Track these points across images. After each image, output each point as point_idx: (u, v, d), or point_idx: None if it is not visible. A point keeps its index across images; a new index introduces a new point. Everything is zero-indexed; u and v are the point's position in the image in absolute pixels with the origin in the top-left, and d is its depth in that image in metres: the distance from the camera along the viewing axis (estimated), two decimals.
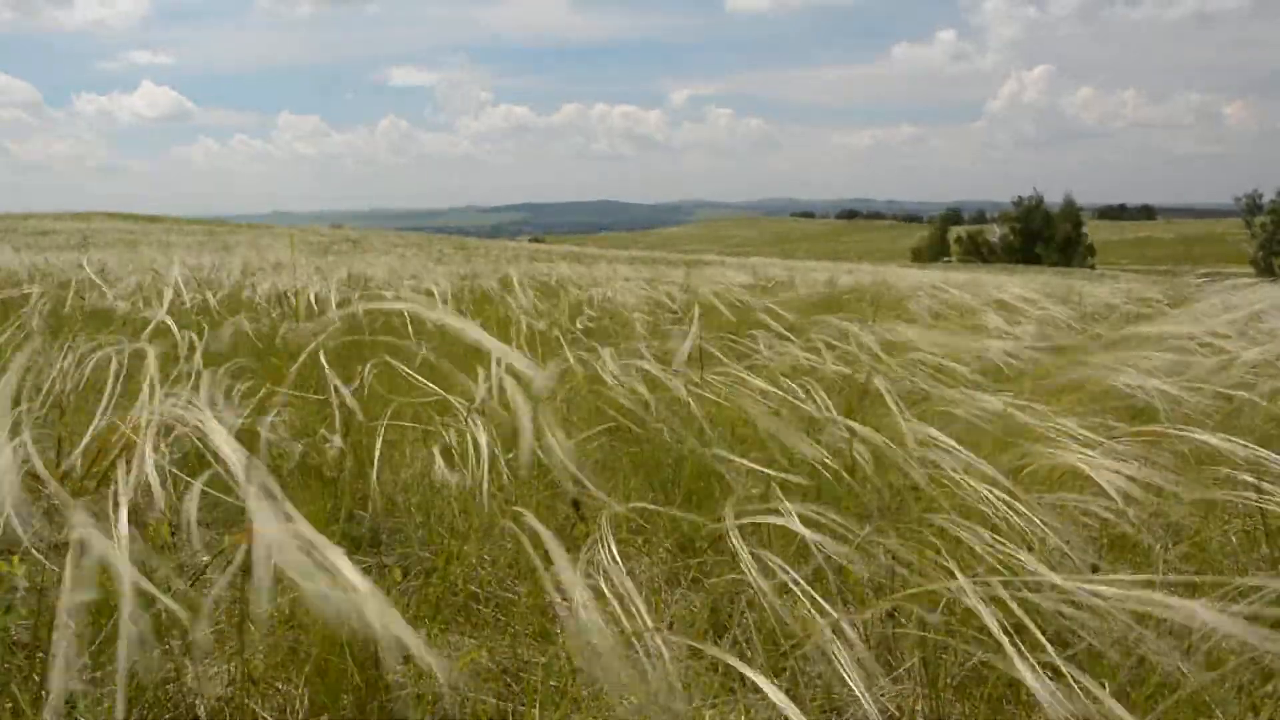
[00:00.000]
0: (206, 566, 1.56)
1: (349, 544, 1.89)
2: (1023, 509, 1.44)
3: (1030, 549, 1.36)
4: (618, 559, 1.19)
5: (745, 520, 1.36)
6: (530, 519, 1.07)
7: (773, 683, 0.85)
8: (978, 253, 66.81)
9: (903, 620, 1.56)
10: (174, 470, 1.40)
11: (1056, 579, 1.00)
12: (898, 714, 1.41)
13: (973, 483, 1.48)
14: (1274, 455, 1.62)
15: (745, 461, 1.75)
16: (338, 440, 1.87)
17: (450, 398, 2.06)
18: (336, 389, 1.86)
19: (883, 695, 1.43)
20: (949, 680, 1.44)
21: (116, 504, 0.94)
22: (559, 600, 1.01)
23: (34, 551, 1.23)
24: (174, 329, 1.93)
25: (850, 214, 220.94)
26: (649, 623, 1.05)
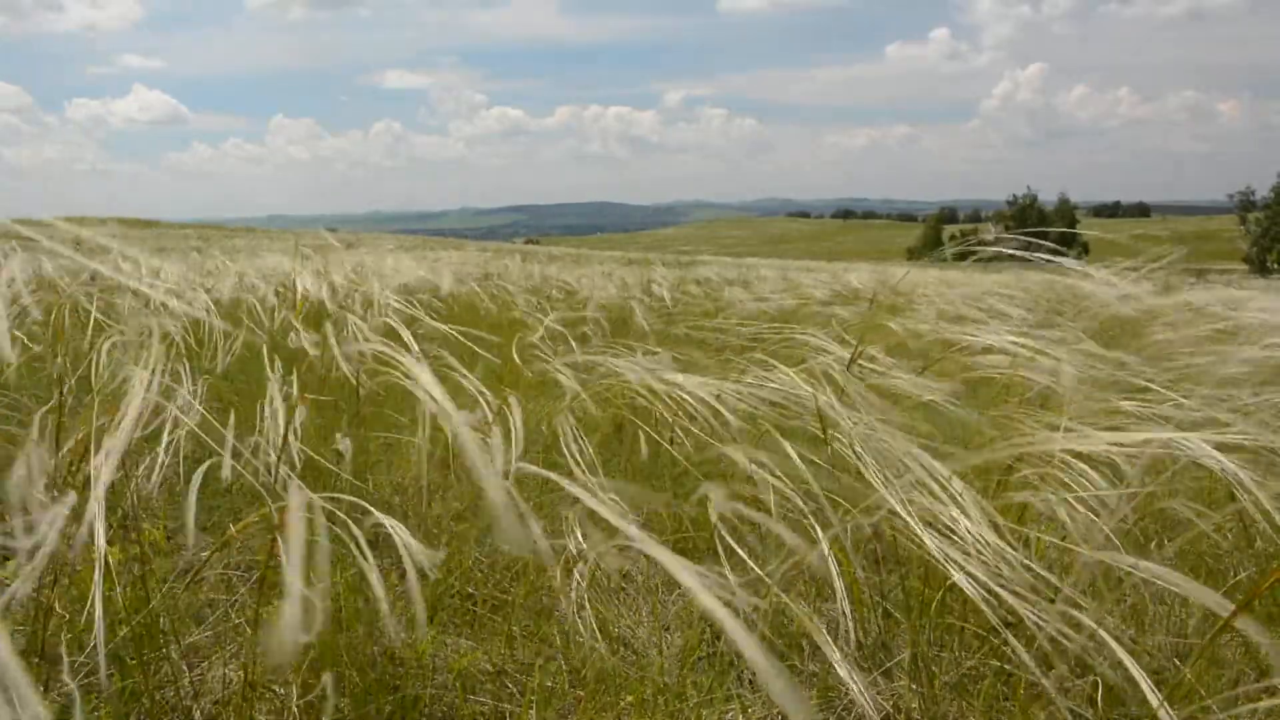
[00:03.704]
0: (204, 565, 1.56)
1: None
2: None
3: None
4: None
5: None
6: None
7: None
8: (972, 251, 66.83)
9: (897, 618, 1.57)
10: None
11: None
12: (894, 712, 1.41)
13: None
14: None
15: None
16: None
17: None
18: None
19: (879, 693, 1.44)
20: (945, 679, 1.44)
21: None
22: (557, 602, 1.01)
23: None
24: None
25: (845, 214, 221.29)
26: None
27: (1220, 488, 1.94)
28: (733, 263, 17.80)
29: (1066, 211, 68.77)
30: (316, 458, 1.73)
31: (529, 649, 1.59)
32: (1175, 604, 1.64)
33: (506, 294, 4.89)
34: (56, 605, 1.23)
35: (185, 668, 1.44)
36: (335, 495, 1.13)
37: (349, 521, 1.12)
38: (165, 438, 1.38)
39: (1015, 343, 1.90)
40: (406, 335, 1.67)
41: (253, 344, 2.77)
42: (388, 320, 2.09)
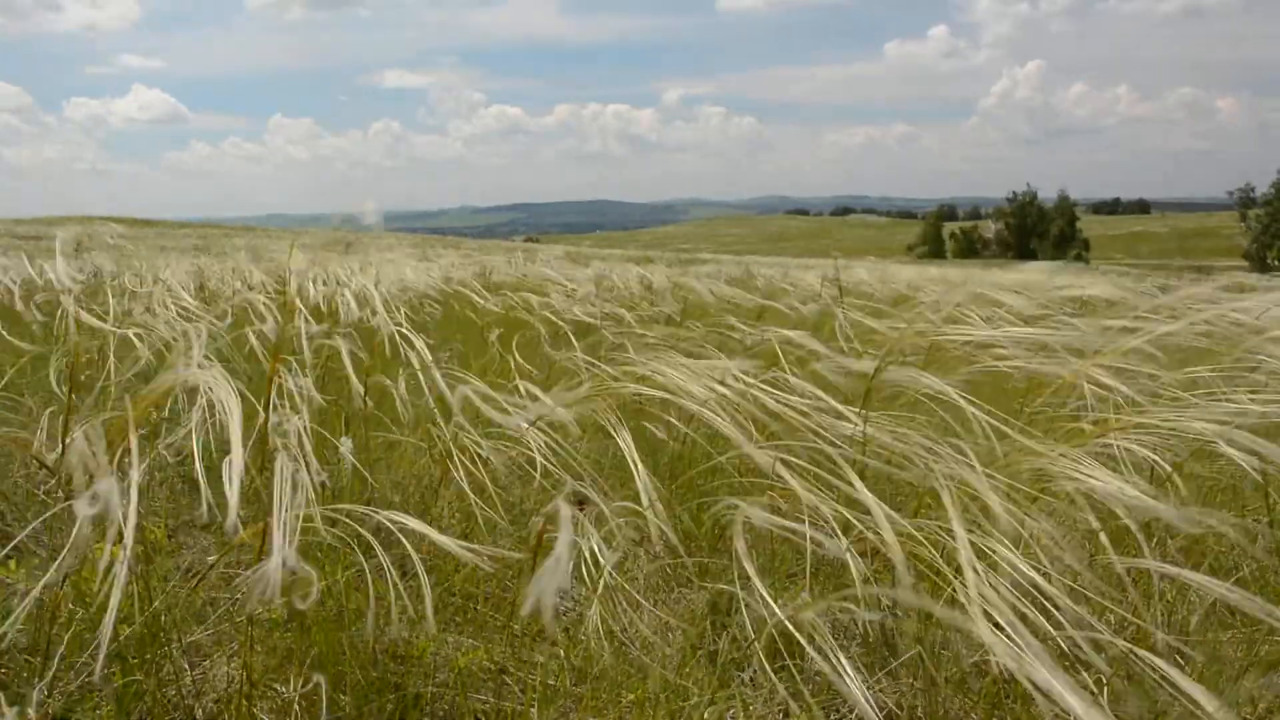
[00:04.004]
0: (211, 568, 1.56)
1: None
2: None
3: None
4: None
5: None
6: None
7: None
8: (972, 249, 67.19)
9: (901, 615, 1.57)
10: None
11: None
12: (897, 710, 1.41)
13: None
14: None
15: None
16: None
17: None
18: None
19: (881, 692, 1.44)
20: (946, 676, 1.44)
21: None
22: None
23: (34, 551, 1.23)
24: None
25: (844, 211, 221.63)
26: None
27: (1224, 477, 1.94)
28: (732, 260, 17.82)
29: (1066, 209, 68.77)
30: (327, 435, 1.73)
31: (531, 647, 1.59)
32: (1177, 602, 1.65)
33: (521, 297, 4.89)
34: (69, 603, 1.23)
35: (187, 666, 1.44)
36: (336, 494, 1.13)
37: (350, 520, 1.12)
38: (183, 432, 1.38)
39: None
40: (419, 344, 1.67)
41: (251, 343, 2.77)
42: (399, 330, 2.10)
